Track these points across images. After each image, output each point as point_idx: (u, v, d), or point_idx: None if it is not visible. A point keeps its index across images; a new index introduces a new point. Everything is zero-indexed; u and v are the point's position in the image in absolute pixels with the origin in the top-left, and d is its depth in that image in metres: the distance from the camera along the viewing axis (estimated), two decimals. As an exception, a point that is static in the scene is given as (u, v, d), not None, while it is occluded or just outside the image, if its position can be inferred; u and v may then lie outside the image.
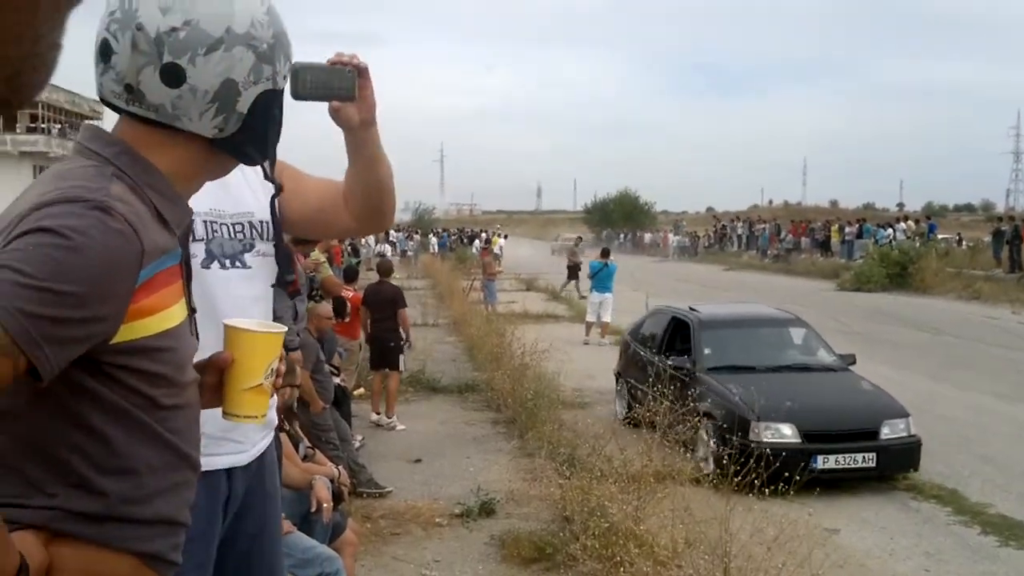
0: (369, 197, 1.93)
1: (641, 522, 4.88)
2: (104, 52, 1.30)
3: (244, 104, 1.35)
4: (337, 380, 6.63)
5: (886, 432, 7.11)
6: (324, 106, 1.75)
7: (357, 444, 7.14)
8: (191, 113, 1.31)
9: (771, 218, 47.91)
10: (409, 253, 39.64)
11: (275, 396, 1.66)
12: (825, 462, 6.90)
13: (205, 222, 1.85)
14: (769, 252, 39.17)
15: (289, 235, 2.28)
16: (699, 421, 7.20)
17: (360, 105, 1.77)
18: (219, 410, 1.48)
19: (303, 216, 1.95)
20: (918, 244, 28.11)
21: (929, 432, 7.36)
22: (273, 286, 1.95)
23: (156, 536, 1.27)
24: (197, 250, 1.81)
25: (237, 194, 1.92)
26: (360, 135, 1.83)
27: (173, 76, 1.29)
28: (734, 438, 6.81)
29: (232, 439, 1.84)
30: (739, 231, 47.49)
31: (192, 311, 1.38)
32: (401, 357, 8.64)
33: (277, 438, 2.56)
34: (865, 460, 7.00)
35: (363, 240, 26.39)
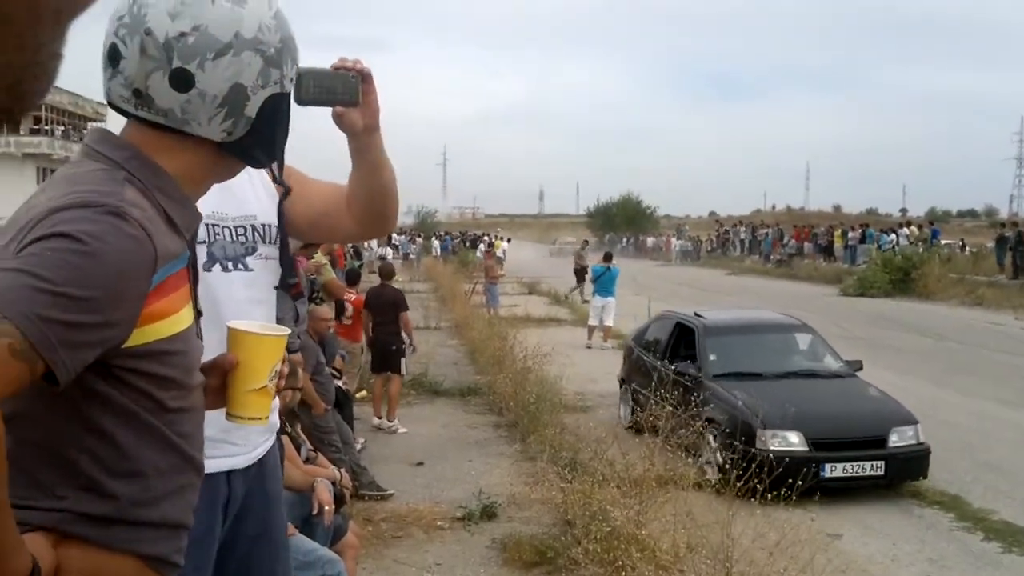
0: (372, 201, 1.93)
1: (643, 526, 4.87)
2: (112, 57, 1.30)
3: (252, 108, 1.36)
4: (339, 383, 6.63)
5: (894, 439, 7.03)
6: (328, 111, 1.76)
7: (359, 447, 7.14)
8: (200, 118, 1.32)
9: (774, 223, 47.87)
10: (411, 256, 39.68)
11: (276, 399, 1.66)
12: (833, 470, 6.82)
13: (207, 225, 1.85)
14: (772, 257, 39.15)
15: (298, 242, 2.28)
16: (704, 428, 7.14)
17: (364, 110, 1.78)
18: (218, 412, 1.48)
19: (306, 219, 1.95)
20: (921, 249, 28.10)
21: (932, 438, 7.33)
22: (276, 288, 1.95)
23: (161, 539, 1.28)
24: (199, 252, 1.81)
25: (240, 197, 1.92)
26: (364, 140, 1.83)
27: (182, 81, 1.29)
28: (740, 446, 6.70)
29: (232, 441, 1.84)
30: (742, 236, 47.47)
31: (199, 314, 1.38)
32: (403, 361, 8.64)
33: (279, 440, 2.56)
34: (873, 468, 6.91)
35: (365, 243, 26.41)
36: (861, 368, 8.39)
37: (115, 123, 1.43)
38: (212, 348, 1.46)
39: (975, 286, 23.17)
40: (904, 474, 7.08)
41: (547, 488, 6.16)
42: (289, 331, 1.58)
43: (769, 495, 5.11)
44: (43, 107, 43.16)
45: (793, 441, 6.91)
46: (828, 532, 5.98)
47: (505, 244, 41.43)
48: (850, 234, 34.78)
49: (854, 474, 6.89)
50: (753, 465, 5.22)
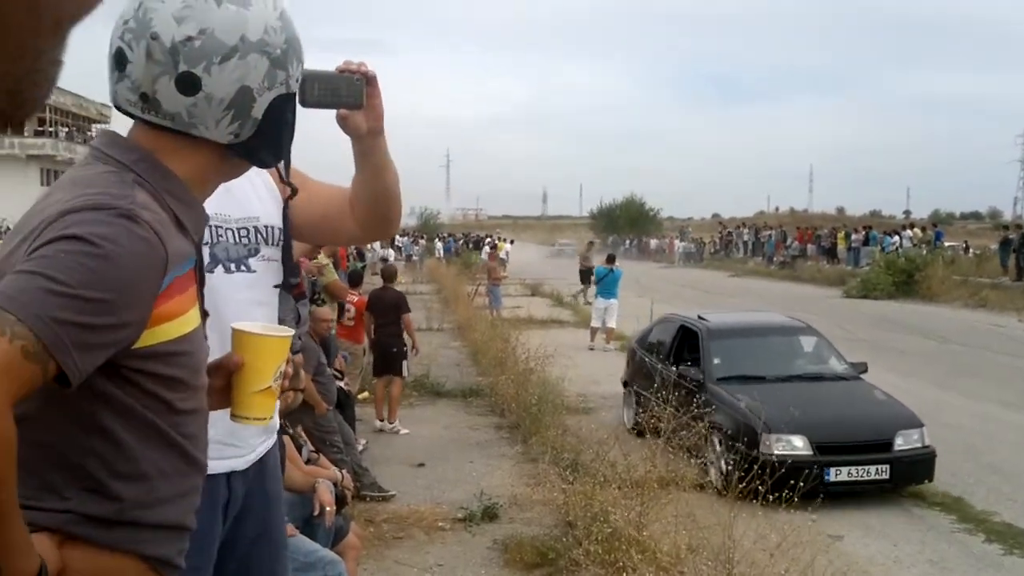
0: (375, 204, 1.93)
1: (644, 528, 4.87)
2: (118, 61, 1.31)
3: (259, 110, 1.36)
4: (340, 384, 6.64)
5: (900, 443, 6.95)
6: (332, 113, 1.76)
7: (361, 448, 7.15)
8: (207, 121, 1.33)
9: (777, 225, 47.80)
10: (415, 258, 39.70)
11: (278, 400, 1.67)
12: (838, 474, 6.76)
13: (210, 226, 1.86)
14: (775, 259, 39.09)
15: (306, 245, 2.28)
16: (708, 433, 7.10)
17: (368, 113, 1.78)
18: (220, 414, 1.49)
19: (309, 221, 1.95)
20: (924, 252, 28.04)
21: (935, 440, 7.31)
22: (277, 287, 1.96)
23: (164, 540, 1.29)
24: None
25: (242, 199, 1.93)
26: (367, 143, 1.83)
27: (189, 85, 1.30)
28: (744, 450, 6.63)
29: (232, 443, 1.84)
30: (745, 238, 47.42)
31: (205, 315, 1.39)
32: (404, 363, 8.64)
33: (280, 441, 2.57)
34: (879, 472, 6.84)
35: (368, 244, 26.43)
36: (866, 370, 8.32)
37: (119, 124, 1.44)
38: (213, 349, 1.46)
39: (979, 288, 23.12)
40: (910, 478, 7.01)
41: (548, 489, 6.17)
42: (293, 332, 1.60)
43: (772, 498, 5.08)
44: (47, 109, 43.28)
45: (797, 445, 6.84)
46: (829, 534, 5.98)
47: (508, 246, 41.41)
48: (853, 236, 34.72)
49: (859, 478, 6.83)
50: (756, 468, 5.21)
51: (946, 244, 33.18)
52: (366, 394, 9.29)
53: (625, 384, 9.66)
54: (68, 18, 0.29)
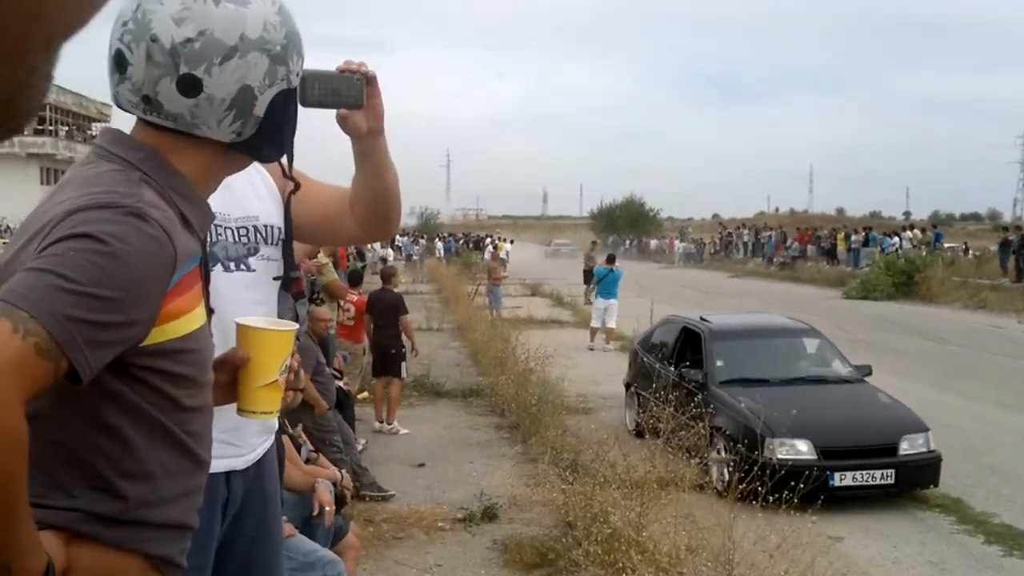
0: (375, 204, 1.93)
1: (644, 528, 4.87)
2: (119, 63, 1.31)
3: (260, 108, 1.37)
4: (340, 383, 6.64)
5: (905, 447, 6.88)
6: (332, 113, 1.76)
7: (360, 447, 7.15)
8: (209, 121, 1.33)
9: (777, 225, 47.82)
10: (415, 257, 39.71)
11: None
12: (842, 479, 6.70)
13: None
14: (775, 259, 39.12)
15: (307, 246, 2.27)
16: (712, 436, 7.05)
17: (368, 113, 1.78)
18: (217, 413, 1.49)
19: (308, 221, 1.95)
20: (924, 253, 28.06)
21: (934, 441, 7.30)
22: (277, 279, 1.96)
23: (168, 539, 1.30)
24: None
25: (242, 198, 1.92)
26: (368, 143, 1.83)
27: (190, 87, 1.30)
28: (748, 454, 6.53)
29: (231, 443, 1.84)
30: (745, 238, 47.44)
31: (210, 312, 1.39)
32: (403, 364, 8.62)
33: (279, 441, 2.57)
34: (884, 477, 6.77)
35: (368, 244, 26.43)
36: (870, 373, 8.24)
37: (119, 122, 1.44)
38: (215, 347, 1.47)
39: (978, 289, 23.13)
40: (915, 483, 6.93)
41: (548, 490, 6.17)
42: (296, 326, 1.61)
43: (774, 500, 5.04)
44: (47, 107, 43.33)
45: (802, 449, 6.78)
46: (829, 535, 5.98)
47: (508, 246, 41.44)
48: (853, 237, 34.75)
49: (864, 483, 6.76)
50: (757, 471, 5.19)
51: (946, 245, 33.19)
52: (366, 394, 9.29)
53: (627, 386, 9.60)
54: (61, 34, 0.29)
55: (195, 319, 1.30)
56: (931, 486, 6.96)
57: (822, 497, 5.34)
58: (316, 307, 6.66)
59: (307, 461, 4.40)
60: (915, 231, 34.01)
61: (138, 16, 1.29)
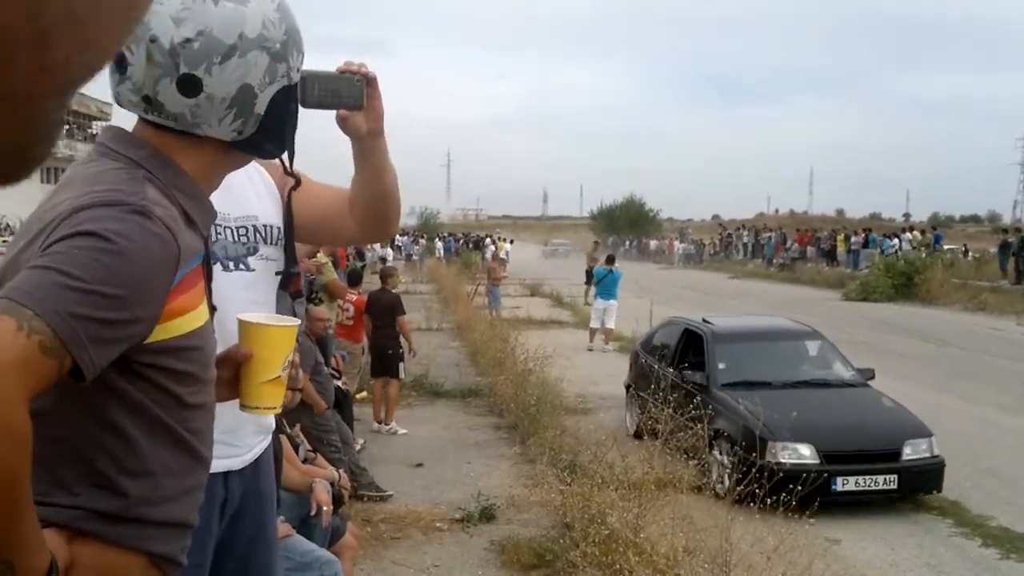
0: (374, 205, 1.93)
1: (641, 530, 4.87)
2: (119, 63, 1.31)
3: (261, 105, 1.37)
4: (338, 383, 6.64)
5: (908, 452, 6.84)
6: (331, 114, 1.76)
7: (358, 447, 7.14)
8: (210, 120, 1.33)
9: (777, 227, 47.82)
10: (414, 257, 39.71)
11: None
12: (845, 484, 6.65)
13: None
14: (775, 261, 39.13)
15: (306, 246, 2.28)
16: (713, 440, 7.01)
17: (368, 115, 1.78)
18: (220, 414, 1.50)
19: (307, 221, 1.95)
20: (924, 255, 28.08)
21: (938, 446, 7.27)
22: (279, 274, 1.97)
23: (169, 537, 1.31)
24: None
25: (242, 197, 1.92)
26: (367, 144, 1.83)
27: (190, 86, 1.30)
28: (750, 458, 6.46)
29: (228, 443, 1.84)
30: (745, 239, 47.46)
31: (213, 309, 1.40)
32: (401, 365, 8.61)
33: (277, 440, 2.57)
34: (887, 482, 6.72)
35: (367, 245, 26.42)
36: (873, 377, 8.19)
37: (120, 120, 1.44)
38: None
39: (978, 291, 23.14)
40: (918, 488, 6.89)
41: (546, 491, 6.17)
42: (299, 321, 1.61)
43: (774, 503, 5.01)
44: (48, 105, 43.29)
45: (804, 454, 6.74)
46: (827, 537, 5.99)
47: (508, 246, 41.47)
48: (853, 239, 34.78)
49: (866, 488, 6.71)
50: (758, 474, 5.16)
51: (945, 247, 33.23)
52: (364, 394, 9.29)
53: (628, 388, 9.53)
54: (75, 82, 0.29)
55: (198, 316, 1.31)
56: (934, 492, 6.91)
57: (818, 500, 5.32)
58: (314, 307, 6.65)
59: (305, 461, 4.40)
60: (915, 233, 34.01)
61: None
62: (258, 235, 1.93)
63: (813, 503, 5.08)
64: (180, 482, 1.30)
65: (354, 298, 8.80)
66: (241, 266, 1.90)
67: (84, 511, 1.22)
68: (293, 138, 1.51)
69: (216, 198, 1.53)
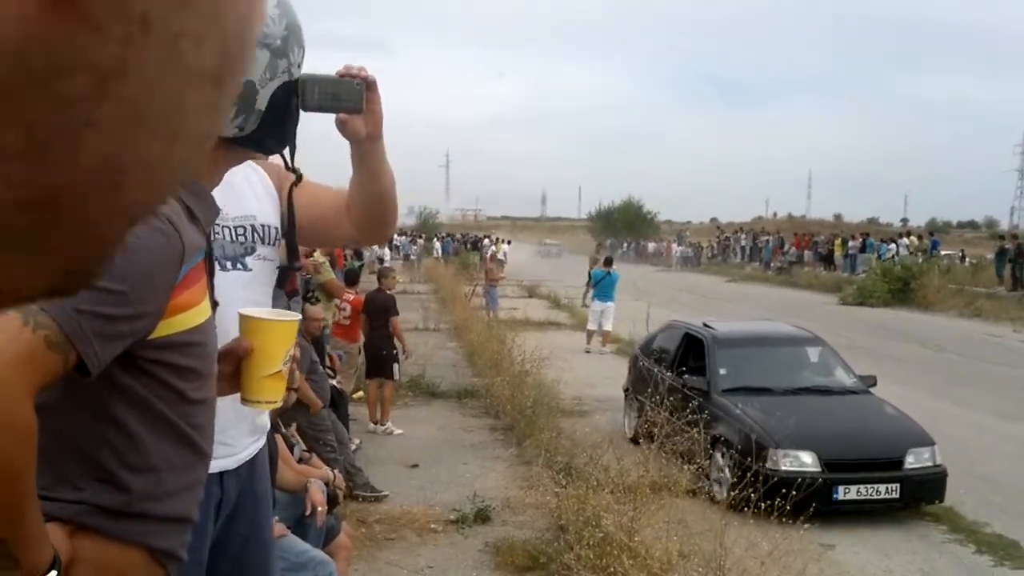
0: (372, 207, 1.94)
1: (636, 533, 4.87)
2: None
3: (262, 102, 1.37)
4: (333, 382, 6.64)
5: (911, 461, 6.75)
6: (331, 116, 1.77)
7: (354, 447, 7.14)
8: None
9: (775, 230, 47.93)
10: (412, 257, 39.69)
11: None
12: (846, 492, 6.58)
13: None
14: (772, 264, 39.19)
15: (304, 247, 2.27)
16: (712, 446, 6.97)
17: (367, 118, 1.78)
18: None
19: (305, 222, 1.96)
20: (921, 260, 28.13)
21: (940, 455, 7.24)
22: (280, 268, 1.97)
23: (170, 533, 1.32)
24: None
25: (240, 197, 1.93)
26: (366, 147, 1.84)
27: None
28: (750, 464, 6.40)
29: (223, 443, 1.85)
30: (743, 243, 47.52)
31: (215, 305, 1.40)
32: (395, 366, 8.59)
33: (272, 439, 2.57)
34: (889, 491, 6.65)
35: (364, 246, 26.38)
36: (875, 384, 8.11)
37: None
38: None
39: (974, 297, 23.19)
40: (920, 497, 6.81)
41: (541, 493, 6.16)
42: (300, 316, 1.62)
43: (773, 510, 4.96)
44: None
45: (806, 461, 6.66)
46: (821, 543, 5.98)
47: (505, 247, 41.50)
48: (850, 243, 34.84)
49: (868, 496, 6.64)
50: (758, 481, 5.15)
51: (942, 253, 33.33)
52: (361, 393, 9.29)
53: (626, 392, 9.42)
54: (142, 210, 0.29)
55: (201, 312, 1.31)
56: (936, 502, 6.83)
57: (813, 505, 5.31)
58: (310, 306, 6.66)
59: (300, 460, 4.40)
60: (912, 238, 34.10)
61: None
62: (256, 235, 1.94)
63: (808, 508, 5.07)
64: (182, 477, 1.31)
65: (351, 297, 8.80)
66: (239, 266, 1.91)
67: (87, 506, 1.23)
68: (294, 134, 1.51)
69: (217, 195, 1.53)
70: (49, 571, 1.11)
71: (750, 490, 5.20)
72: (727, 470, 6.93)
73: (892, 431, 7.22)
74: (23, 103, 0.21)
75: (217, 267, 1.87)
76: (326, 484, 4.17)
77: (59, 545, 1.16)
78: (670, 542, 4.78)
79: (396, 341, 8.70)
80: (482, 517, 5.95)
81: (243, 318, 1.52)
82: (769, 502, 5.00)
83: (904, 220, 79.83)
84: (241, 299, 1.85)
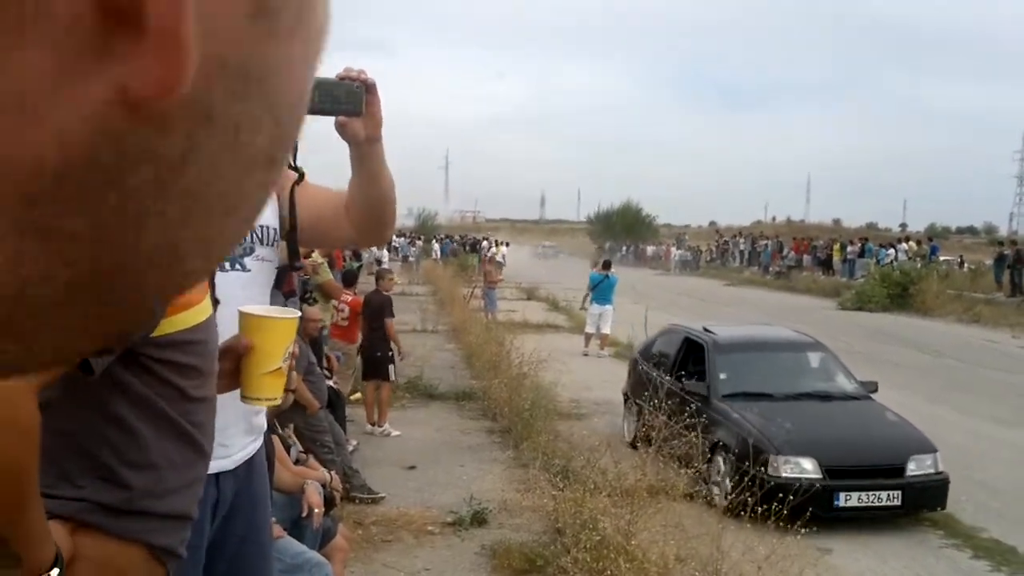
0: (370, 209, 1.94)
1: (633, 536, 4.87)
2: None
3: None
4: (330, 383, 6.63)
5: (912, 468, 6.71)
6: (330, 119, 1.77)
7: (351, 448, 7.13)
8: None
9: (774, 235, 47.95)
10: (411, 259, 39.69)
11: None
12: (848, 499, 6.54)
13: None
14: (771, 269, 39.21)
15: (303, 248, 2.27)
16: (712, 451, 6.95)
17: (367, 121, 1.78)
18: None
19: (304, 223, 1.96)
20: (919, 265, 28.15)
21: (942, 462, 7.22)
22: (280, 267, 1.97)
23: (170, 530, 1.32)
24: None
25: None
26: (365, 150, 1.84)
27: None
28: (751, 471, 6.27)
29: (219, 443, 1.84)
30: (741, 247, 47.55)
31: (216, 302, 1.41)
32: (391, 367, 8.58)
33: (269, 441, 2.56)
34: (890, 498, 6.59)
35: (363, 248, 26.37)
36: (876, 390, 8.07)
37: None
38: None
39: (973, 303, 23.21)
40: (922, 505, 6.77)
41: (538, 495, 6.16)
42: (299, 313, 1.63)
43: (772, 516, 4.97)
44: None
45: (807, 468, 6.61)
46: (818, 546, 5.98)
47: (504, 249, 41.52)
48: (849, 248, 34.86)
49: (870, 504, 6.60)
50: (758, 488, 5.14)
51: (941, 258, 33.31)
52: (358, 395, 9.28)
53: (626, 397, 9.34)
54: (196, 277, 0.30)
55: (203, 310, 1.32)
56: (938, 509, 6.79)
57: (810, 510, 5.30)
58: (307, 307, 6.66)
59: (296, 462, 4.40)
60: (911, 243, 34.16)
61: None
62: (254, 236, 1.94)
63: (805, 513, 5.06)
64: (182, 475, 1.32)
65: (349, 299, 8.79)
66: (238, 266, 1.91)
67: (88, 503, 1.23)
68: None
69: None
70: (51, 569, 1.12)
71: (747, 495, 5.20)
72: (727, 479, 6.87)
73: (894, 437, 7.18)
74: (91, 194, 0.22)
75: (216, 267, 1.88)
76: (323, 485, 4.17)
77: (61, 543, 1.16)
78: (667, 546, 4.78)
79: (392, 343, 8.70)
80: (479, 519, 5.95)
81: (243, 315, 1.52)
82: (766, 506, 5.00)
83: (903, 225, 79.93)
84: (239, 299, 1.85)
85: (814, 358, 8.57)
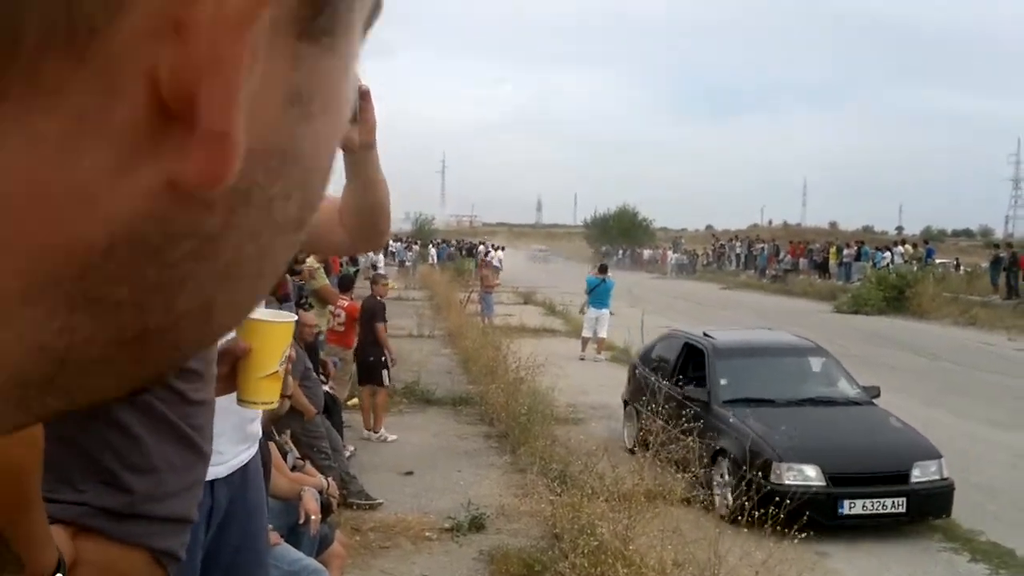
0: (365, 216, 1.93)
1: (630, 541, 4.86)
2: None
3: None
4: (326, 388, 6.62)
5: (917, 475, 6.64)
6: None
7: (348, 454, 7.12)
8: None
9: (770, 238, 47.98)
10: (407, 263, 39.67)
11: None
12: (852, 507, 6.47)
13: None
14: (767, 272, 39.23)
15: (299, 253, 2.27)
16: (714, 458, 6.93)
17: (361, 127, 1.78)
18: None
19: None
20: (915, 268, 28.19)
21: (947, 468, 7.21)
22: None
23: (169, 533, 1.32)
24: None
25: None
26: (359, 156, 1.83)
27: None
28: (753, 478, 6.24)
29: (214, 450, 1.84)
30: (738, 250, 47.58)
31: None
32: (384, 372, 8.56)
33: (265, 447, 2.56)
34: (895, 506, 6.52)
35: (358, 254, 26.34)
36: (878, 395, 8.02)
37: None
38: None
39: (969, 306, 23.24)
40: (927, 512, 6.68)
41: (536, 501, 6.15)
42: (296, 317, 1.62)
43: (773, 522, 4.92)
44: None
45: (810, 475, 6.54)
46: (816, 551, 5.98)
47: (500, 253, 41.51)
48: (845, 251, 34.90)
49: (874, 511, 6.52)
50: (760, 496, 5.11)
51: (937, 261, 33.36)
52: (356, 400, 9.26)
53: (625, 403, 9.29)
54: (225, 331, 0.32)
55: None
56: (943, 516, 6.72)
57: (807, 514, 5.29)
58: (303, 312, 6.64)
59: (293, 468, 4.39)
60: (907, 246, 34.16)
61: None
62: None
63: (806, 518, 5.04)
64: (182, 478, 1.33)
65: (345, 304, 8.78)
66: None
67: (90, 508, 1.24)
68: None
69: None
70: (54, 573, 1.12)
71: (745, 499, 5.18)
72: (728, 489, 6.79)
73: (898, 444, 7.10)
74: (136, 266, 0.24)
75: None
76: (320, 492, 4.16)
77: (63, 547, 1.17)
78: (664, 551, 4.77)
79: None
80: (477, 525, 5.94)
81: None
82: (764, 511, 4.99)
83: (899, 228, 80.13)
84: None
85: (816, 363, 8.49)
